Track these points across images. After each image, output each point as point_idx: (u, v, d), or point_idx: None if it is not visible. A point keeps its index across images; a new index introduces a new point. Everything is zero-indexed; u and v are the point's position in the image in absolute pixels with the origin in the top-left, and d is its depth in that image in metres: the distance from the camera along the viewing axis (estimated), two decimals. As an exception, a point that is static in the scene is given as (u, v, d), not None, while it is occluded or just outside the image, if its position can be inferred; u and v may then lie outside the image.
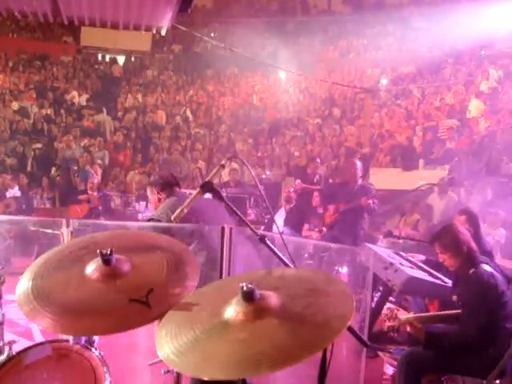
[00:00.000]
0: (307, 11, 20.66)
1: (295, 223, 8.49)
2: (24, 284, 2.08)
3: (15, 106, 14.50)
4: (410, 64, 15.67)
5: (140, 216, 9.11)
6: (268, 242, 2.13)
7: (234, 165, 10.67)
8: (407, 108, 13.44)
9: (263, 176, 11.18)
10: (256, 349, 1.60)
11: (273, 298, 1.76)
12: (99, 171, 10.81)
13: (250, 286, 1.69)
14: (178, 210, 2.14)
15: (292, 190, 8.97)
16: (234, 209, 2.14)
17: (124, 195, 9.88)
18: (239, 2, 20.61)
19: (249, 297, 1.70)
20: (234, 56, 14.80)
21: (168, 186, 3.66)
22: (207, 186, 2.07)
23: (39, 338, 4.74)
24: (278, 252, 2.14)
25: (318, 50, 18.34)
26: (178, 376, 2.29)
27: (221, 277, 3.00)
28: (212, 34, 18.56)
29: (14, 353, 2.37)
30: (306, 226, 8.70)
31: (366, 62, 17.04)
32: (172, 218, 2.18)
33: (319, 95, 16.01)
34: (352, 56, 18.03)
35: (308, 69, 16.10)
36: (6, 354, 2.44)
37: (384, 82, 15.81)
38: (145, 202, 9.40)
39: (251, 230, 2.12)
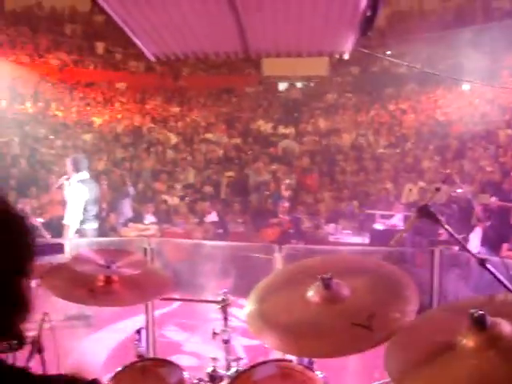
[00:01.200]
0: (489, 16, 19.49)
1: (493, 243, 7.97)
2: (250, 305, 2.25)
3: (209, 137, 15.65)
4: None
5: (331, 238, 9.23)
6: (489, 265, 2.03)
7: (421, 183, 10.37)
8: None
9: (453, 193, 10.67)
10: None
11: (505, 326, 1.68)
12: (288, 195, 11.17)
13: (480, 312, 1.64)
14: (398, 235, 2.16)
15: (486, 207, 8.44)
16: (452, 232, 2.09)
17: (313, 218, 10.11)
18: (413, 18, 20.15)
19: (480, 323, 1.64)
20: (413, 72, 14.44)
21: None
22: (424, 210, 2.06)
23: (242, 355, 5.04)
24: (500, 276, 2.03)
25: (501, 56, 17.13)
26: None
27: (431, 300, 2.93)
28: (388, 52, 18.34)
29: (242, 368, 2.56)
30: (505, 246, 8.11)
31: None
32: (391, 242, 2.20)
33: (509, 104, 14.92)
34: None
35: (492, 77, 15.12)
36: (235, 370, 2.65)
37: None
38: (334, 224, 9.49)
39: (470, 253, 2.06)
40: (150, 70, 20.43)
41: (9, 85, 15.76)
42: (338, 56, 9.09)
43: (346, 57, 8.94)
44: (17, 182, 10.55)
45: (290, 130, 16.40)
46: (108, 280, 2.55)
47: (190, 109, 18.22)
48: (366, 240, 9.39)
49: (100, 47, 20.88)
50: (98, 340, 6.01)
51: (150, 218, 10.32)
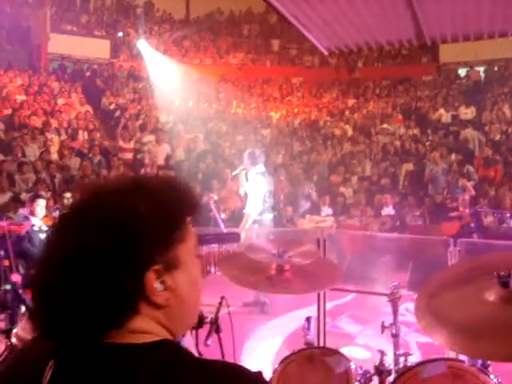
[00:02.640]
0: None
1: None
2: (422, 300, 2.19)
3: (385, 128, 15.35)
4: None
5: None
6: None
7: None
8: None
9: None
10: None
11: None
12: (471, 187, 10.56)
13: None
14: None
15: None
16: None
17: (497, 212, 9.44)
18: None
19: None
20: None
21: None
22: None
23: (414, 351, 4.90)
24: None
25: None
26: None
27: None
28: None
29: (410, 364, 2.51)
30: None
31: None
32: None
33: None
34: None
35: None
36: (402, 365, 2.60)
37: None
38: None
39: None
40: (325, 64, 20.56)
41: (194, 86, 16.96)
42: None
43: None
44: (203, 176, 11.35)
45: (472, 119, 15.44)
46: (280, 269, 2.65)
47: (366, 100, 18.00)
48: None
49: (275, 45, 21.50)
50: (273, 327, 6.26)
51: (326, 210, 10.45)
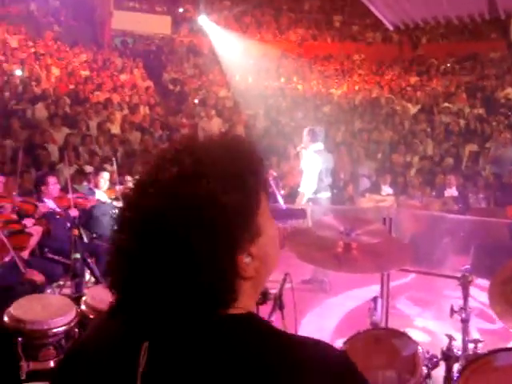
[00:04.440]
0: None
1: None
2: (495, 287, 2.11)
3: (449, 107, 14.87)
4: None
5: None
6: None
7: None
8: None
9: None
10: None
11: None
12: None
13: None
14: None
15: None
16: None
17: None
18: None
19: None
20: None
21: None
22: None
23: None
24: None
25: None
26: None
27: None
28: None
29: (481, 352, 2.42)
30: None
31: None
32: None
33: None
34: None
35: None
36: (471, 352, 2.52)
37: None
38: None
39: None
40: (387, 40, 20.05)
41: (255, 62, 16.88)
42: None
43: None
44: (262, 152, 11.32)
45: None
46: (347, 247, 2.60)
47: (429, 78, 17.45)
48: None
49: (337, 20, 21.11)
50: (332, 305, 6.24)
51: (387, 190, 10.27)
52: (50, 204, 6.09)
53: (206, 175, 0.94)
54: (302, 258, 2.57)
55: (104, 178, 7.46)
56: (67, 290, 5.85)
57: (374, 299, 2.73)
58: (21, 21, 15.35)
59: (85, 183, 8.17)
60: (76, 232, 5.77)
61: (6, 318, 2.90)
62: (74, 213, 6.05)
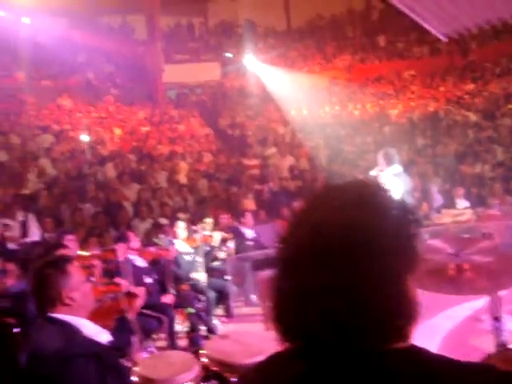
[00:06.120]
0: None
1: None
2: None
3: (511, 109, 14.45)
4: None
5: None
6: None
7: None
8: None
9: None
10: None
11: None
12: None
13: None
14: None
15: None
16: None
17: None
18: None
19: None
20: None
21: None
22: None
23: None
24: None
25: None
26: None
27: None
28: None
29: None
30: None
31: None
32: None
33: None
34: None
35: None
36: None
37: None
38: None
39: None
40: (436, 52, 19.78)
41: (306, 94, 16.99)
42: None
43: None
44: (328, 182, 11.28)
45: None
46: (459, 268, 2.52)
47: (485, 83, 17.05)
48: None
49: (381, 40, 21.06)
50: (428, 327, 6.01)
51: (462, 203, 9.97)
52: (136, 260, 6.24)
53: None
54: (418, 285, 2.50)
55: (180, 227, 7.59)
56: (161, 343, 5.95)
57: (496, 318, 2.63)
58: (80, 90, 16.11)
59: (162, 236, 8.33)
60: (184, 287, 5.92)
61: (135, 378, 2.96)
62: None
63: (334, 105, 17.42)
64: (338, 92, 18.28)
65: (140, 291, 4.17)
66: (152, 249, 6.73)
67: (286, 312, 0.99)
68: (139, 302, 4.06)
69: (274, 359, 1.07)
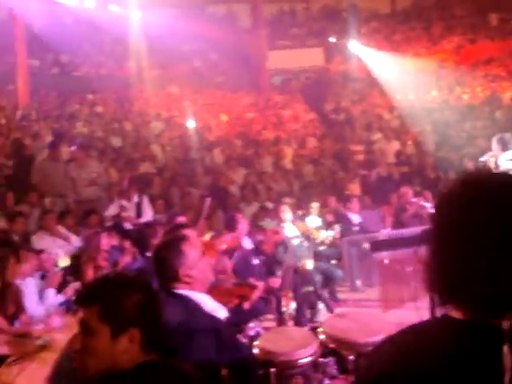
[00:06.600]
0: None
1: None
2: None
3: None
4: None
5: None
6: None
7: None
8: None
9: None
10: None
11: None
12: None
13: None
14: None
15: None
16: None
17: None
18: None
19: None
20: None
21: None
22: None
23: None
24: None
25: None
26: None
27: None
28: None
29: None
30: None
31: None
32: None
33: None
34: None
35: None
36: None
37: None
38: None
39: None
40: (556, 29, 18.49)
41: (412, 78, 16.51)
42: None
43: None
44: (434, 168, 10.92)
45: None
46: None
47: None
48: None
49: (493, 19, 19.93)
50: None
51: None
52: (246, 243, 6.42)
53: None
54: None
55: (285, 211, 7.69)
56: (269, 323, 6.09)
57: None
58: (187, 78, 16.66)
59: (268, 219, 8.46)
60: (305, 266, 6.06)
61: (256, 351, 3.11)
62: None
63: (442, 89, 16.79)
64: (445, 75, 17.58)
65: (260, 285, 4.31)
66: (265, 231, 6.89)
67: (463, 281, 1.05)
68: (256, 295, 4.19)
69: (411, 332, 1.12)
